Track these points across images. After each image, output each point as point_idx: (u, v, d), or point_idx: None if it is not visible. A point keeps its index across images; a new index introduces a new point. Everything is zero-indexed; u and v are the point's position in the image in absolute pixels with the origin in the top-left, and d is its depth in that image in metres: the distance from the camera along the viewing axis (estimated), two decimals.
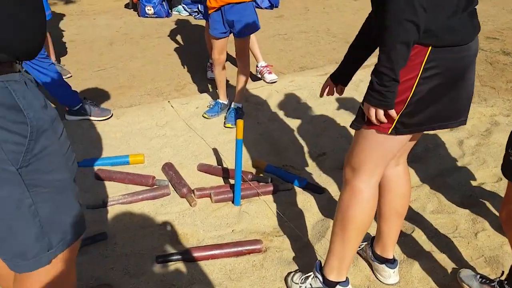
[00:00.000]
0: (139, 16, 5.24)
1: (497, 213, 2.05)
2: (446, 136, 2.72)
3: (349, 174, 1.41)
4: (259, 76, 3.52)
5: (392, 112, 1.20)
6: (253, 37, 3.39)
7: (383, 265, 1.68)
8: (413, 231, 1.96)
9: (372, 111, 1.21)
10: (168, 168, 2.36)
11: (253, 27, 2.71)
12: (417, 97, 1.21)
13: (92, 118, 2.90)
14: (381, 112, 1.20)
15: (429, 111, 1.25)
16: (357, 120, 1.32)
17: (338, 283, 1.54)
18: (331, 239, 1.51)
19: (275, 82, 3.40)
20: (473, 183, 2.29)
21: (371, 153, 1.34)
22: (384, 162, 1.37)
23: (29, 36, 0.97)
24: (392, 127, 1.25)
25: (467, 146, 2.62)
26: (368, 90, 1.21)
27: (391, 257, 1.67)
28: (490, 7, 5.55)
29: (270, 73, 3.45)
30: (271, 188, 2.22)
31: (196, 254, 1.83)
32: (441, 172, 2.39)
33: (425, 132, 1.40)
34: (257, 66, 3.54)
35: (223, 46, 2.81)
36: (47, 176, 1.03)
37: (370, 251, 1.73)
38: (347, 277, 1.56)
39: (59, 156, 1.06)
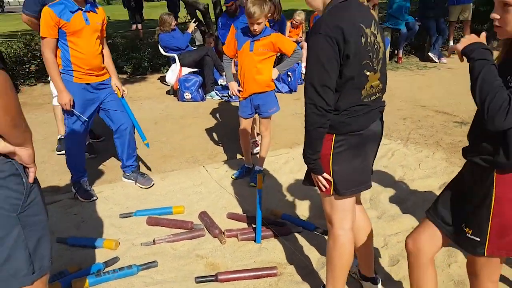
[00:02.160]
0: (178, 100, 6.15)
1: None
2: (435, 194, 3.25)
3: (328, 225, 1.96)
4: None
5: (325, 175, 1.78)
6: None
7: (368, 282, 2.18)
8: (398, 261, 2.46)
9: (315, 177, 1.81)
10: (204, 215, 2.97)
11: (274, 109, 3.46)
12: (336, 167, 1.77)
13: (137, 184, 3.56)
14: (319, 177, 1.79)
15: (348, 176, 1.79)
16: (307, 180, 1.92)
17: None
18: (326, 275, 2.02)
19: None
20: None
21: (334, 208, 1.88)
22: (347, 211, 1.88)
23: None
24: (331, 190, 1.81)
25: None
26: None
27: (372, 275, 2.17)
28: None
29: (256, 146, 4.13)
30: (285, 230, 2.78)
31: (225, 276, 2.37)
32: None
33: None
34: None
35: (249, 124, 3.54)
36: (34, 219, 1.47)
37: (358, 273, 2.24)
38: None
39: (42, 204, 1.52)
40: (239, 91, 3.44)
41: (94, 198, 3.34)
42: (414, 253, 1.75)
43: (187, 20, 11.84)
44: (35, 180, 1.49)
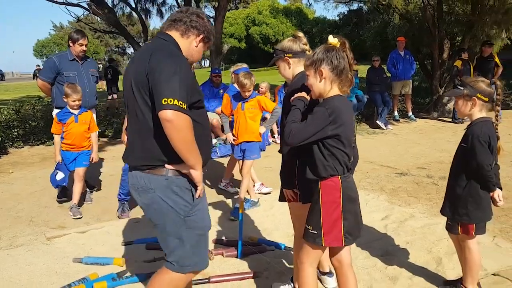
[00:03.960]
0: None
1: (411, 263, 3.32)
2: (377, 223, 4.08)
3: (295, 231, 2.68)
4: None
5: (294, 190, 2.57)
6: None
7: (325, 276, 2.92)
8: None
9: (286, 192, 2.63)
10: None
11: (255, 156, 4.42)
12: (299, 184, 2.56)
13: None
14: (289, 191, 2.59)
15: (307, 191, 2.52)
16: (281, 197, 2.73)
17: None
18: None
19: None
20: (389, 246, 3.59)
21: (298, 215, 2.54)
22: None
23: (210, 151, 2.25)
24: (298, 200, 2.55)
25: (390, 227, 3.97)
26: None
27: (327, 270, 2.91)
28: (425, 148, 7.36)
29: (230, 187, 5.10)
30: (261, 249, 3.49)
31: (216, 279, 3.03)
32: (370, 240, 3.69)
33: None
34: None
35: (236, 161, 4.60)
36: (196, 224, 2.11)
37: (317, 271, 2.97)
38: None
39: (204, 213, 2.17)
40: (233, 139, 4.51)
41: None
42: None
43: None
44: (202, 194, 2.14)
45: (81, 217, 4.43)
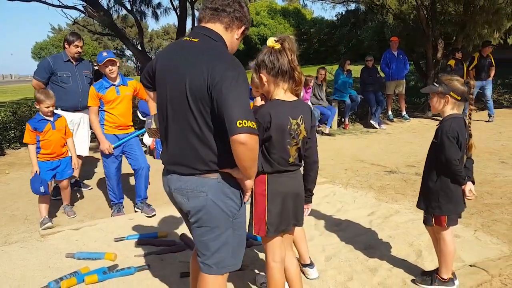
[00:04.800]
0: (154, 158, 7.00)
1: (392, 256, 3.43)
2: (362, 219, 4.19)
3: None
4: None
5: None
6: None
7: (306, 268, 3.03)
8: (330, 259, 3.33)
9: None
10: (184, 236, 3.75)
11: None
12: None
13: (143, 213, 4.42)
14: None
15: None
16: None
17: None
18: None
19: None
20: (372, 240, 3.70)
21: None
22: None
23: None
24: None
25: (375, 222, 4.08)
26: None
27: (308, 262, 3.02)
28: (417, 147, 7.47)
29: None
30: (249, 243, 3.59)
31: None
32: (355, 235, 3.80)
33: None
34: None
35: None
36: (240, 225, 2.09)
37: (299, 263, 3.08)
38: None
39: (244, 217, 2.13)
40: None
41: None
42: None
43: None
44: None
45: (75, 216, 4.54)
